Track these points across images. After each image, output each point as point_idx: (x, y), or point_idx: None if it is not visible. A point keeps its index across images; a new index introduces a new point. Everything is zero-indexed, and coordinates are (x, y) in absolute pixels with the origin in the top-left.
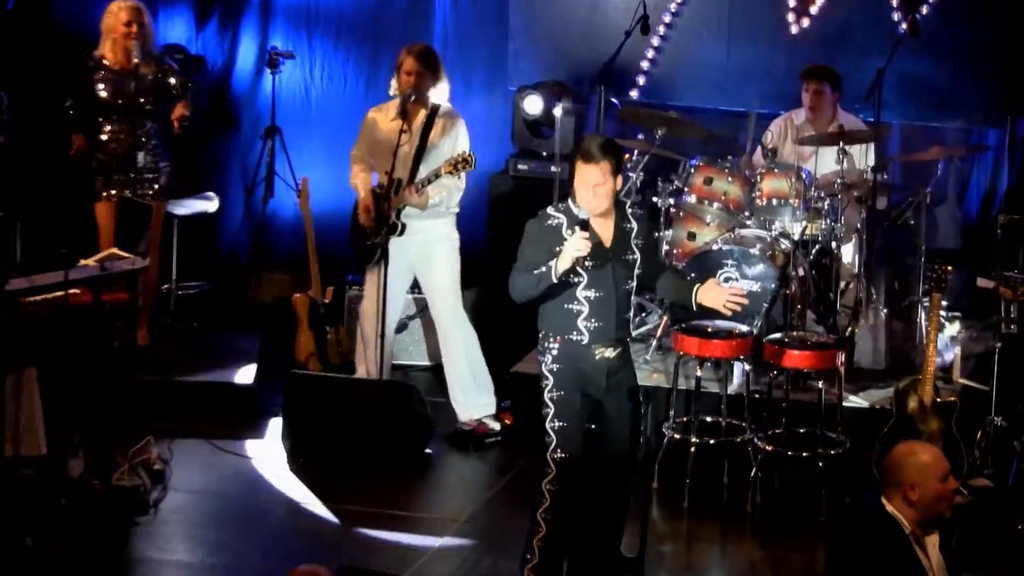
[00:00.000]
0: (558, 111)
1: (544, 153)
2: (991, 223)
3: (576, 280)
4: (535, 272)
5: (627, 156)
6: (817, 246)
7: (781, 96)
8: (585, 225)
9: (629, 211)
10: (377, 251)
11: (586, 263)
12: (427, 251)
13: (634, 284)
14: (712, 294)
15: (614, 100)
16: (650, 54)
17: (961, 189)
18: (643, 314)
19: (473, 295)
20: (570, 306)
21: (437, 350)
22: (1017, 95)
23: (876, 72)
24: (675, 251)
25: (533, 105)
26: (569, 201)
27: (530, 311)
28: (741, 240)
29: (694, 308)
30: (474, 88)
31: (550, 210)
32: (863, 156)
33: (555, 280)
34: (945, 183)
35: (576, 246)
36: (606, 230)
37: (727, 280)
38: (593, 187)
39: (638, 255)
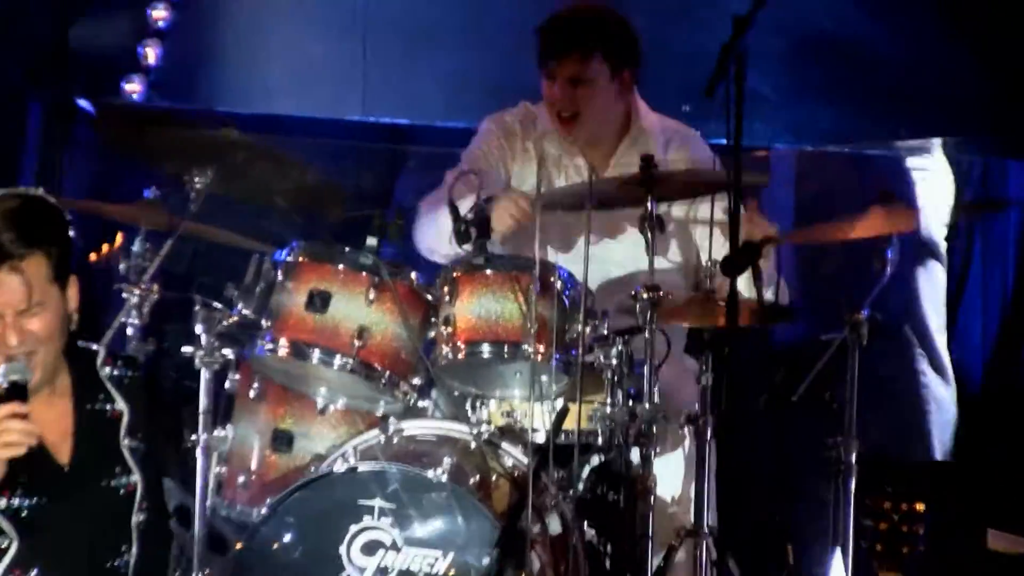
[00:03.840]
0: None
1: None
2: (1015, 390)
3: None
4: None
5: (112, 247)
6: (597, 459)
7: (491, 90)
8: (21, 391)
9: (107, 372)
10: None
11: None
12: None
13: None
14: None
15: (85, 104)
16: None
17: (945, 308)
18: None
19: None
20: None
21: None
22: None
23: (732, 25)
24: (242, 480)
25: None
26: None
27: None
28: (405, 450)
29: None
30: None
31: None
32: (702, 231)
33: None
34: (904, 294)
35: None
36: (54, 422)
37: (374, 550)
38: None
39: (139, 478)
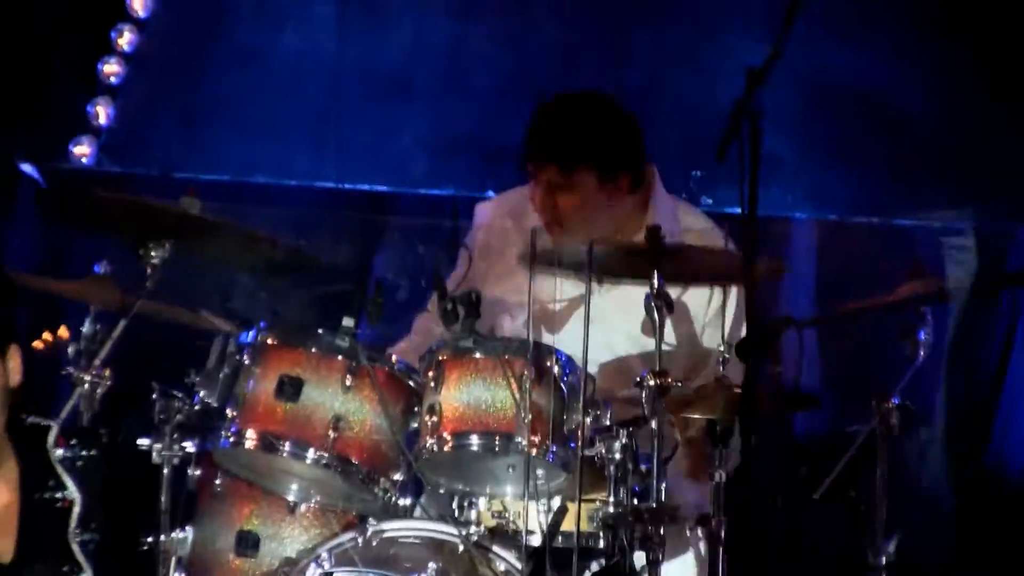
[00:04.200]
0: None
1: None
2: None
3: None
4: None
5: (55, 336)
6: (598, 564)
7: (479, 154)
8: None
9: (59, 454)
10: None
11: None
12: None
13: None
14: None
15: (29, 169)
16: (124, 42)
17: (986, 395)
18: None
19: None
20: None
21: None
22: None
23: (744, 78)
24: None
25: None
26: None
27: None
28: (386, 554)
29: None
30: None
31: None
32: (714, 312)
33: None
34: (937, 379)
35: None
36: None
37: None
38: None
39: None
